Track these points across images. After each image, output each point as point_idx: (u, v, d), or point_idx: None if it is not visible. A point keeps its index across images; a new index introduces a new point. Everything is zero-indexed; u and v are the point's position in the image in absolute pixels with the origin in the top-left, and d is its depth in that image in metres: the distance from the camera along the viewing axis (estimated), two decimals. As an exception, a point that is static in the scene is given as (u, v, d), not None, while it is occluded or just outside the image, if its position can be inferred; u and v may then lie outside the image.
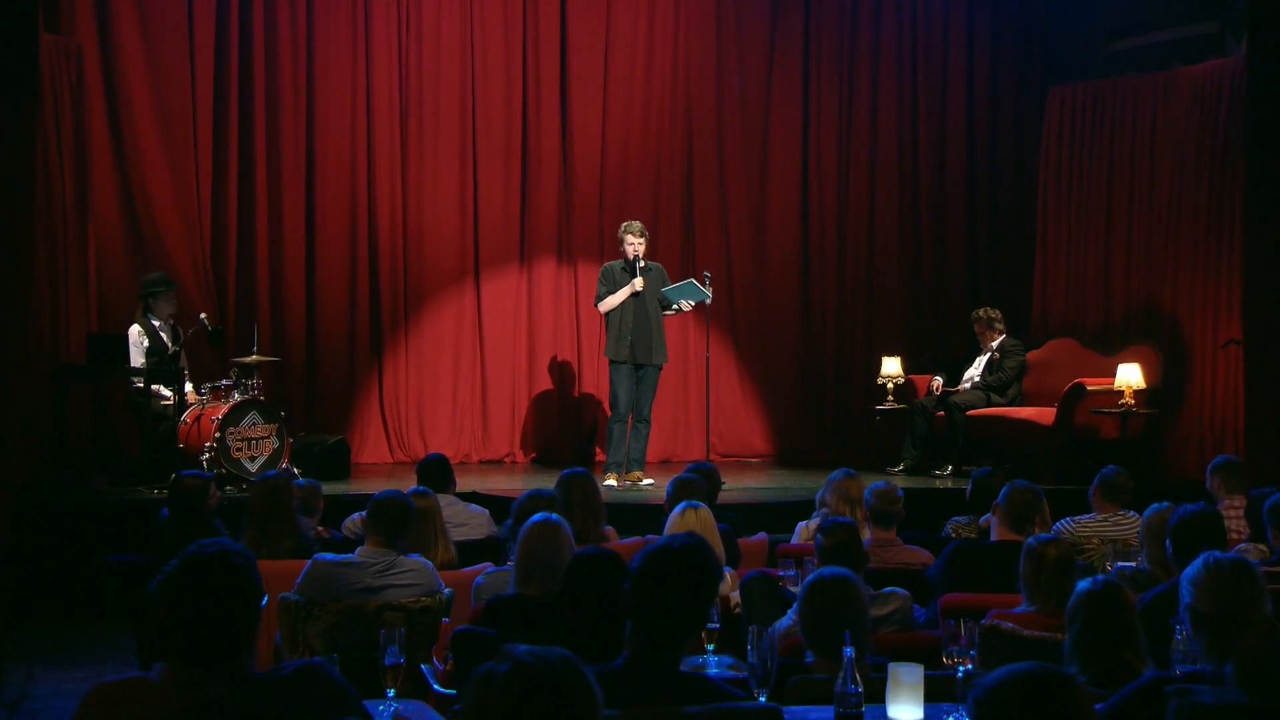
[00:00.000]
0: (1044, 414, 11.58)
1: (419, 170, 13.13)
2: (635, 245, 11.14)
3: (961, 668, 4.07)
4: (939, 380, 12.34)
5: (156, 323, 10.90)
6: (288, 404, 12.41)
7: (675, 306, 11.39)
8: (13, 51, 9.15)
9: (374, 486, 10.03)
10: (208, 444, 10.21)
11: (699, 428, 12.89)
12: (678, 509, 5.91)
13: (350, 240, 12.96)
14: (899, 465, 12.16)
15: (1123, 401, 11.16)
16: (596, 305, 11.25)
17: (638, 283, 11.09)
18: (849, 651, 3.50)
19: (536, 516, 5.14)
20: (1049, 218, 13.14)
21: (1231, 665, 3.24)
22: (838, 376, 13.97)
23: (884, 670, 4.00)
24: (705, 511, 5.90)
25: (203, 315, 10.97)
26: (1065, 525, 7.82)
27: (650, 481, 11.02)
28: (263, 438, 10.52)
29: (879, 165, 14.03)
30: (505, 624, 4.84)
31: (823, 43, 13.97)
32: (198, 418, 10.45)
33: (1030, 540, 5.22)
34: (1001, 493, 6.47)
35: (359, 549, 5.78)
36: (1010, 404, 12.07)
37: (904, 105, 14.07)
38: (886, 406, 12.57)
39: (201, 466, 10.11)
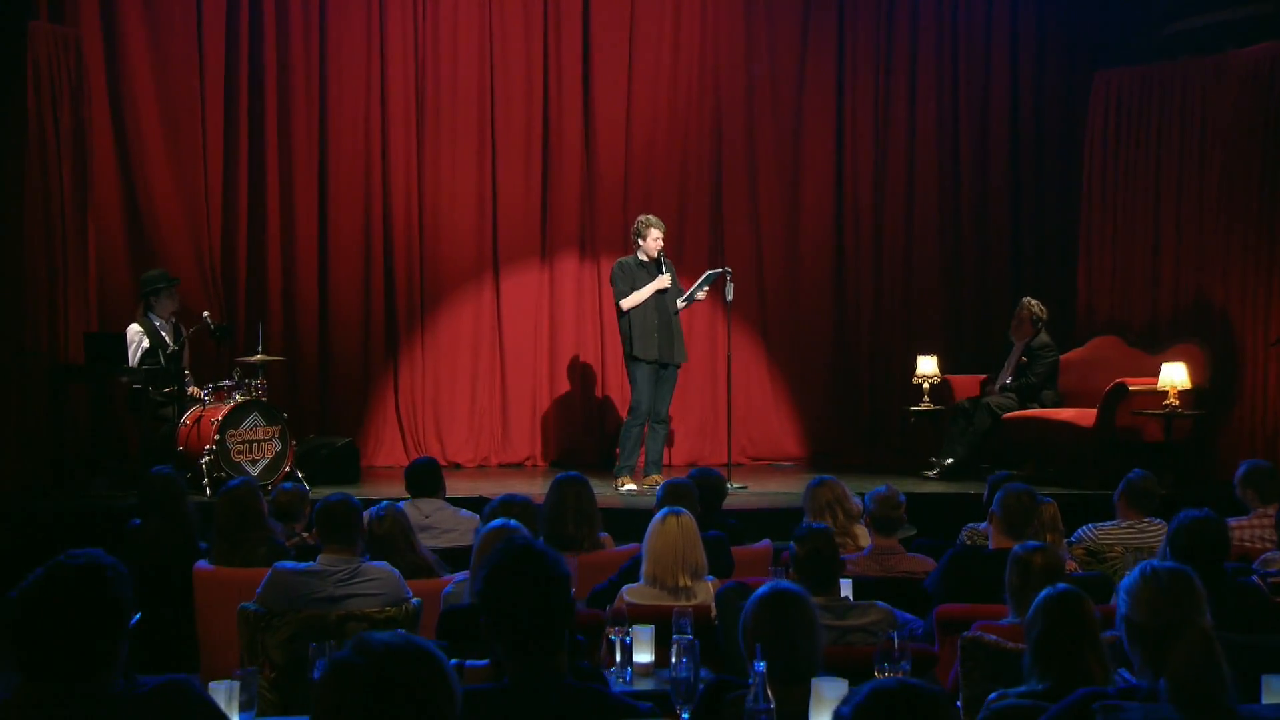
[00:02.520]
0: (1084, 415, 11.42)
1: (435, 163, 13.14)
2: (660, 240, 11.13)
3: None
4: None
5: (157, 321, 10.94)
6: (300, 405, 12.52)
7: (696, 297, 11.42)
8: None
9: (384, 491, 10.02)
10: (207, 446, 10.23)
11: (727, 430, 12.79)
12: (658, 516, 5.85)
13: (365, 236, 13.00)
14: (934, 469, 12.02)
15: (1167, 402, 10.99)
16: (619, 303, 11.13)
17: (665, 279, 11.07)
18: (760, 666, 3.44)
19: (494, 522, 5.12)
20: (1093, 209, 12.96)
21: (1165, 680, 3.15)
22: (873, 376, 13.84)
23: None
24: (687, 518, 5.83)
25: (205, 313, 10.98)
26: (1087, 532, 7.73)
27: (669, 486, 10.94)
28: (264, 440, 10.54)
29: (917, 155, 13.88)
30: (458, 634, 4.80)
31: (858, 26, 13.84)
32: (198, 419, 10.47)
33: (1016, 548, 5.16)
34: (995, 498, 6.38)
35: (320, 556, 5.76)
36: (1046, 406, 11.91)
37: (944, 93, 13.91)
38: (922, 407, 12.45)
39: (201, 470, 10.15)
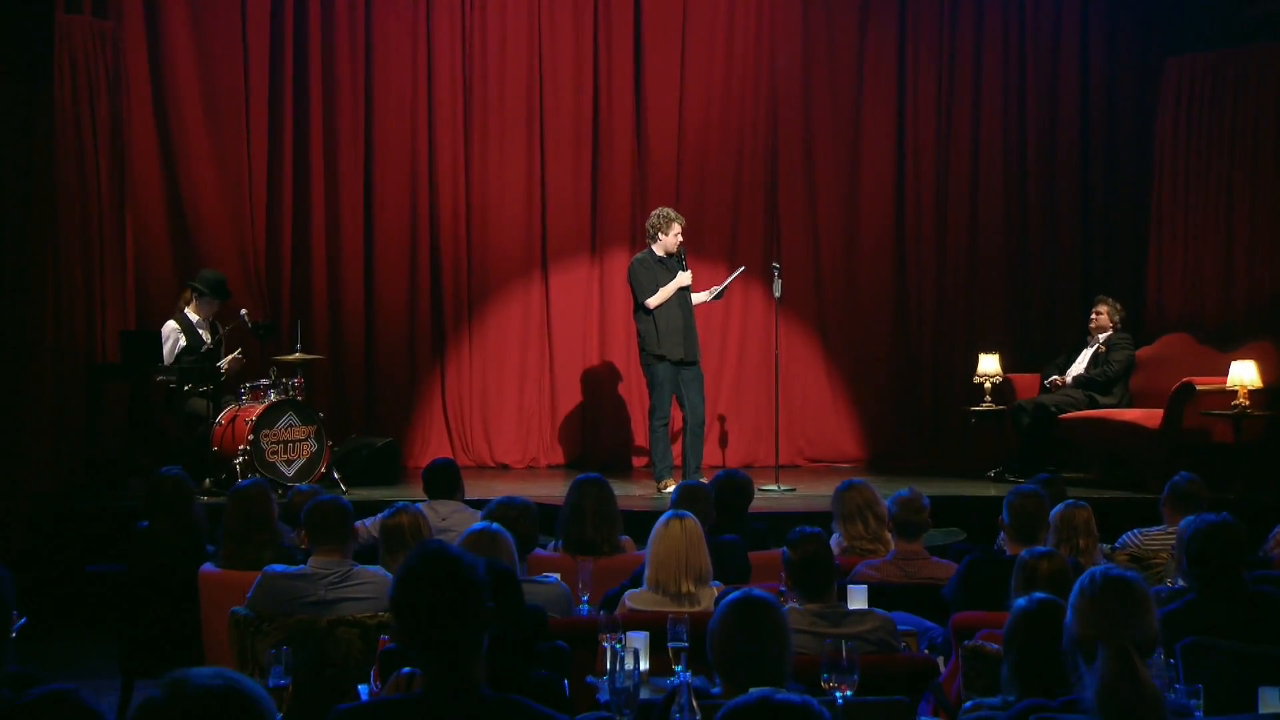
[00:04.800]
0: (1150, 416, 11.24)
1: (483, 156, 13.14)
2: (680, 235, 11.06)
3: (839, 693, 3.93)
4: (1056, 377, 12.06)
5: (194, 319, 11.02)
6: (346, 405, 12.60)
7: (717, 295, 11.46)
8: (24, 31, 9.38)
9: (421, 494, 9.97)
10: (241, 447, 10.29)
11: (784, 431, 12.70)
12: (661, 519, 5.82)
13: (411, 232, 13.04)
14: (992, 471, 11.90)
15: (1236, 403, 10.79)
16: (644, 302, 10.97)
17: (686, 276, 10.99)
18: (685, 677, 3.40)
19: (475, 526, 5.08)
20: (1164, 202, 12.71)
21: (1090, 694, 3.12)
22: (935, 375, 13.64)
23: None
24: (691, 522, 5.79)
25: (243, 311, 11.03)
26: (1132, 537, 7.65)
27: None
28: (300, 440, 10.58)
29: (982, 146, 13.66)
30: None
31: (921, 12, 13.67)
32: (233, 419, 10.53)
33: (1023, 553, 5.10)
34: (1004, 502, 6.30)
35: (310, 559, 5.77)
36: (1116, 406, 11.74)
37: (1010, 80, 13.67)
38: (983, 407, 12.31)
39: (235, 470, 10.21)
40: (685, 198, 13.11)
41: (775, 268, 11.51)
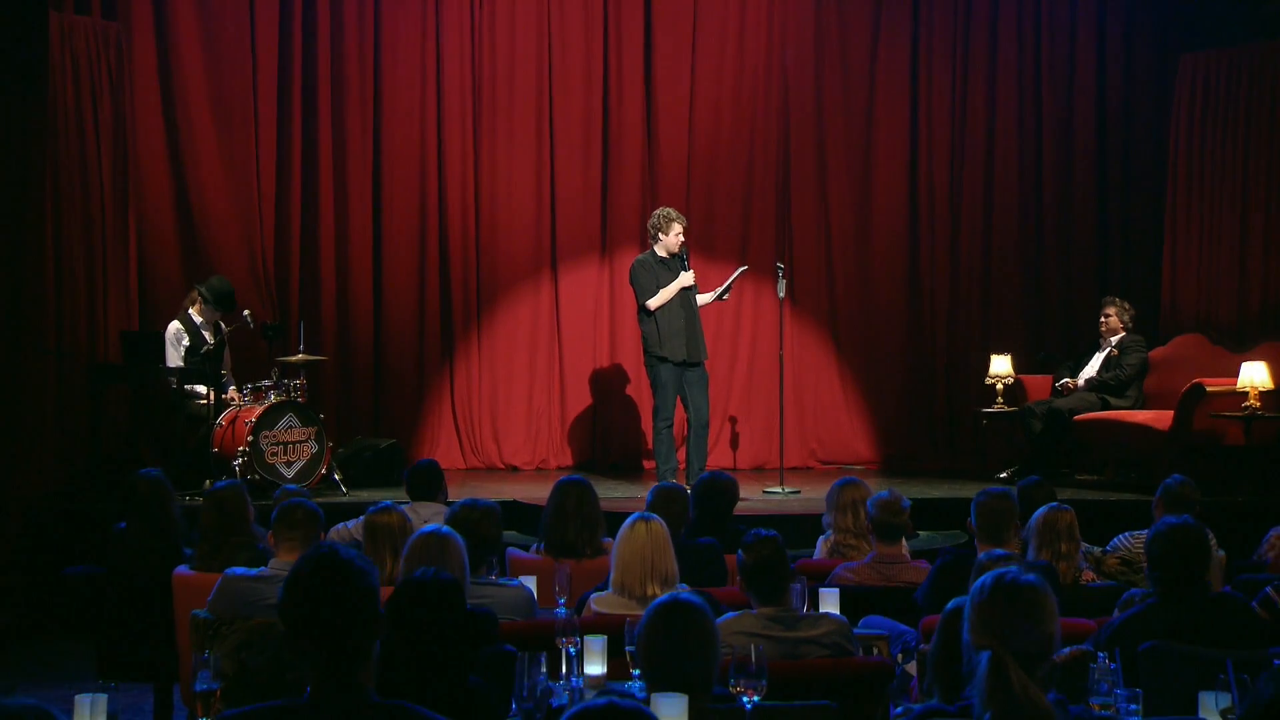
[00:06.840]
0: (1161, 417, 11.15)
1: (492, 156, 13.15)
2: (681, 235, 10.99)
3: (746, 699, 3.89)
4: (1068, 380, 11.96)
5: (198, 320, 11.03)
6: (353, 406, 12.65)
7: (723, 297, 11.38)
8: (19, 30, 9.42)
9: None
10: (241, 449, 10.29)
11: (795, 433, 12.69)
12: (627, 521, 5.77)
13: (420, 233, 13.05)
14: (1004, 472, 11.81)
15: (1247, 404, 10.69)
16: (645, 303, 10.89)
17: (689, 277, 10.92)
18: (577, 682, 3.36)
19: (426, 528, 5.06)
20: (1179, 200, 12.61)
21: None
22: (949, 376, 13.58)
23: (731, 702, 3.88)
24: (657, 524, 5.73)
25: (246, 312, 11.02)
26: (1123, 540, 7.57)
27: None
28: (300, 441, 10.58)
29: (997, 144, 13.60)
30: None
31: (935, 8, 13.60)
32: (233, 420, 10.54)
33: (981, 556, 5.06)
34: (972, 504, 6.24)
35: (272, 561, 5.75)
36: (1131, 408, 11.64)
37: (1025, 78, 13.62)
38: (994, 409, 12.22)
39: (234, 472, 10.21)
40: (695, 199, 13.11)
41: (780, 268, 11.44)
